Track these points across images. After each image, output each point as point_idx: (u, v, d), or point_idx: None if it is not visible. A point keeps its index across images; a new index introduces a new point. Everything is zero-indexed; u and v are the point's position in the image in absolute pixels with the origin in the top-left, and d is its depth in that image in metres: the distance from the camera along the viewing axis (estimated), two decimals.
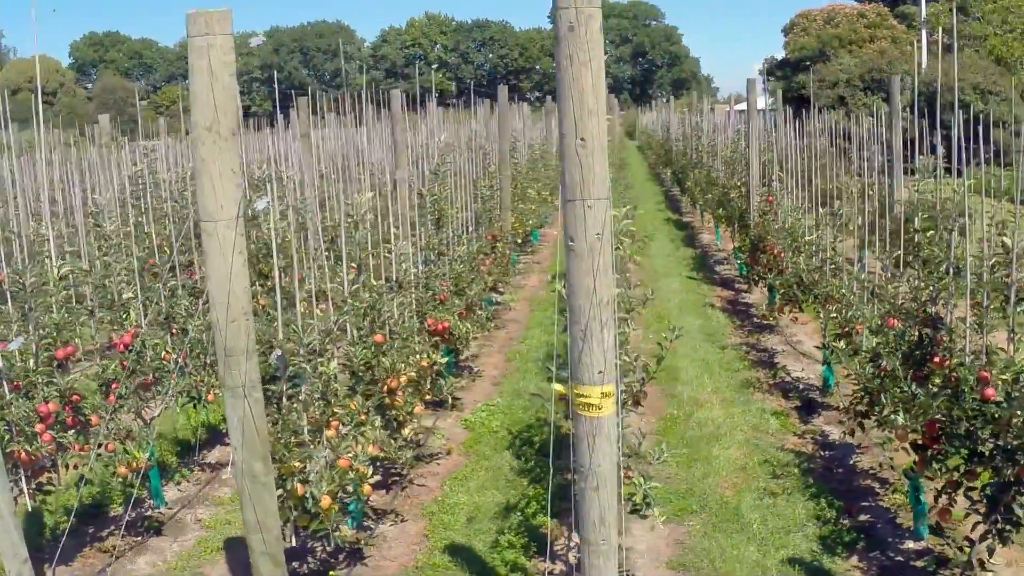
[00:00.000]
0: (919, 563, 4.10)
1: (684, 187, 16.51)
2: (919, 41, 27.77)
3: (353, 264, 4.68)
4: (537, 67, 75.56)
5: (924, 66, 25.06)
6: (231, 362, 3.23)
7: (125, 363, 4.92)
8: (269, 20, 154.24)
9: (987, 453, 3.69)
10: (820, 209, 7.42)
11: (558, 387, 2.82)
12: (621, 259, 8.91)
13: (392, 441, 4.48)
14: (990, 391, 3.74)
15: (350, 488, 3.94)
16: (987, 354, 3.88)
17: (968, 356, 3.95)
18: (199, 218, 3.16)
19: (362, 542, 4.50)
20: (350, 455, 3.97)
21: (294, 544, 3.95)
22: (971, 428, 3.75)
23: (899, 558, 4.20)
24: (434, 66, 70.58)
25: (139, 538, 4.71)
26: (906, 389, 4.15)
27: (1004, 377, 3.69)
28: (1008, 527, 3.60)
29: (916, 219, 5.13)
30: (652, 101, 38.23)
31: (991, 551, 3.69)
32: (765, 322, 8.54)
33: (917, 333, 4.39)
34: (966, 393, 3.83)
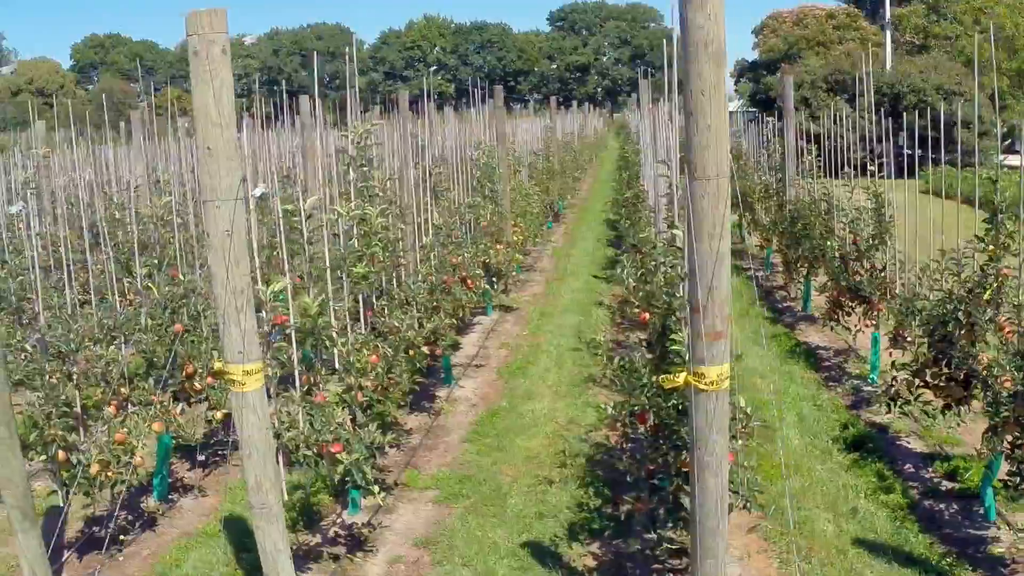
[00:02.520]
0: (657, 551, 4.18)
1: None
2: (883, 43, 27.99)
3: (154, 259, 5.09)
4: (535, 69, 75.91)
5: (890, 67, 25.27)
6: None
7: None
8: (269, 21, 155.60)
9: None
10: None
11: (218, 365, 3.21)
12: (506, 256, 9.22)
13: (182, 420, 4.87)
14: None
15: (125, 458, 4.37)
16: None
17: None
18: None
19: (160, 512, 4.91)
20: (125, 430, 4.40)
21: (62, 504, 4.36)
22: (666, 420, 4.06)
23: (638, 546, 4.32)
24: (432, 68, 71.15)
25: None
26: (643, 380, 4.46)
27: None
28: (676, 518, 3.85)
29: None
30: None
31: (659, 543, 3.95)
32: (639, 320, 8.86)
33: (661, 326, 4.72)
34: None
